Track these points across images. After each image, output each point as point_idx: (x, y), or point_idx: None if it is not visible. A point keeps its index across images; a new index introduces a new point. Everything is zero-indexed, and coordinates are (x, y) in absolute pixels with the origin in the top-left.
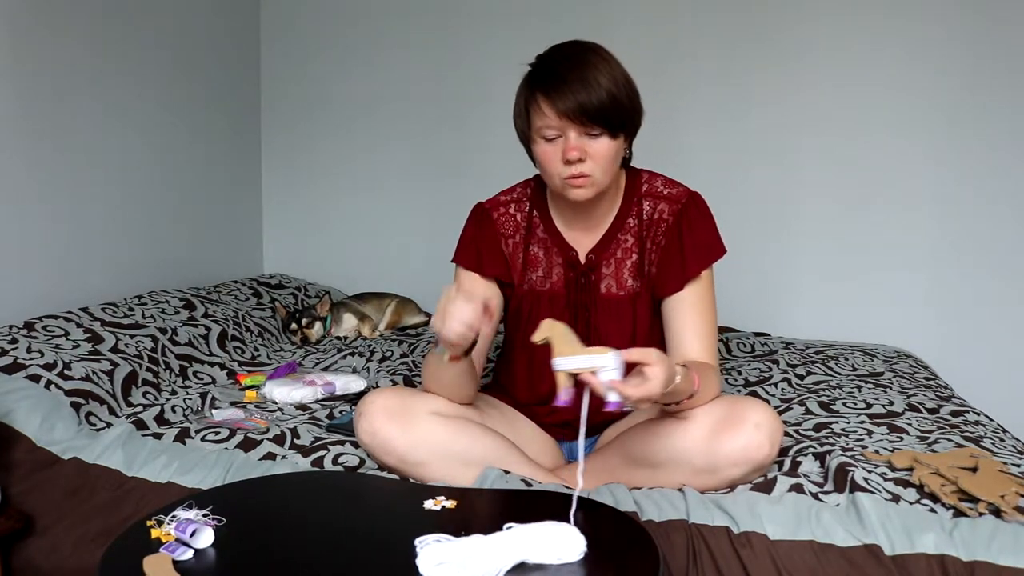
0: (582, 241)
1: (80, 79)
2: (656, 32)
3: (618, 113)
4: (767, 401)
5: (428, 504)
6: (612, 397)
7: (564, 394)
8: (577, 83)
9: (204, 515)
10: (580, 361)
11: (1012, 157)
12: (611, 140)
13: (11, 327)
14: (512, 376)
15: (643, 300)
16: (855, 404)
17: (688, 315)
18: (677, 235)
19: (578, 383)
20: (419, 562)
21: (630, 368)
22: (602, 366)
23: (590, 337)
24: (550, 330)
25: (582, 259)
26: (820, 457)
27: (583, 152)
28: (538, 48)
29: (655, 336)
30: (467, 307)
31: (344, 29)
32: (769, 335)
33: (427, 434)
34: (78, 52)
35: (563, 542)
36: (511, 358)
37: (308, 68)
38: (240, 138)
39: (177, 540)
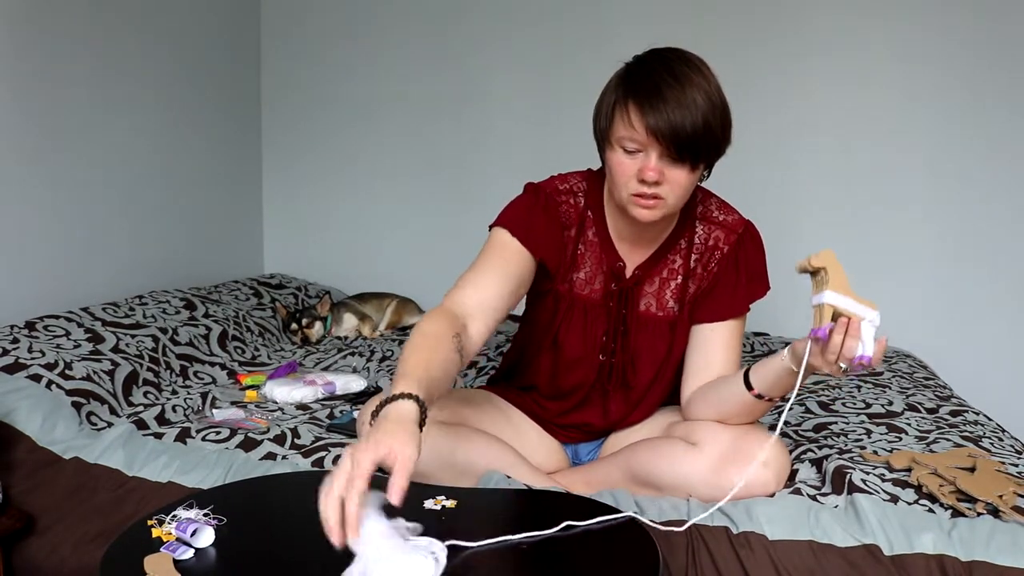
0: (631, 254)
1: (80, 79)
2: (656, 33)
3: (707, 143)
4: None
5: (428, 504)
6: (867, 351)
7: (825, 328)
8: (675, 103)
9: (205, 515)
10: (852, 305)
11: (1012, 157)
12: (691, 171)
13: (12, 327)
14: (534, 373)
15: (682, 324)
16: (854, 404)
17: (725, 340)
18: (733, 267)
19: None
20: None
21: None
22: (871, 319)
23: (625, 357)
24: (831, 262)
25: (628, 273)
26: (817, 463)
27: (661, 175)
28: (538, 48)
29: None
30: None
31: (345, 29)
32: (768, 335)
33: (431, 445)
34: (78, 52)
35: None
36: (534, 355)
37: (309, 68)
38: (241, 138)
39: (178, 539)
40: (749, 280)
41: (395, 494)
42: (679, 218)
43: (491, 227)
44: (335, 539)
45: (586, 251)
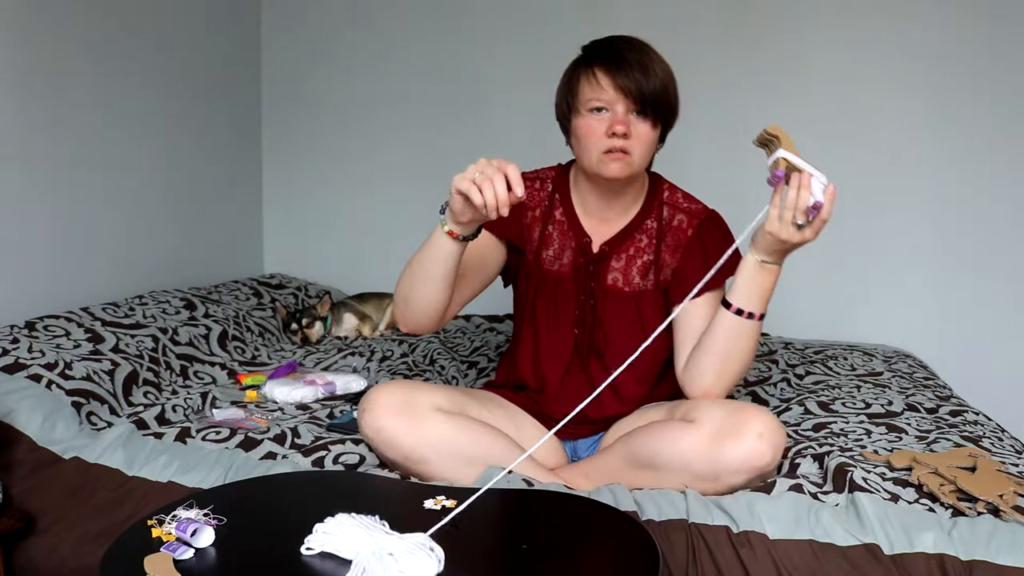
0: (598, 231)
1: (80, 79)
2: (657, 33)
3: (666, 104)
4: (766, 402)
5: (428, 504)
6: (816, 195)
7: (779, 173)
8: (637, 65)
9: (205, 514)
10: (802, 162)
11: (1012, 157)
12: (652, 128)
13: (12, 327)
14: (516, 360)
15: (648, 299)
16: (854, 404)
17: (707, 313)
18: (700, 250)
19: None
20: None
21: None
22: (819, 177)
23: (595, 327)
24: (782, 132)
25: (595, 248)
26: (819, 458)
27: (628, 128)
28: (539, 48)
29: (662, 337)
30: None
31: (345, 29)
32: (768, 335)
33: (432, 432)
34: (78, 52)
35: (415, 563)
36: (516, 342)
37: (309, 68)
38: (241, 138)
39: (178, 539)
40: (718, 260)
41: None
42: (645, 201)
43: None
44: (503, 208)
45: (554, 230)
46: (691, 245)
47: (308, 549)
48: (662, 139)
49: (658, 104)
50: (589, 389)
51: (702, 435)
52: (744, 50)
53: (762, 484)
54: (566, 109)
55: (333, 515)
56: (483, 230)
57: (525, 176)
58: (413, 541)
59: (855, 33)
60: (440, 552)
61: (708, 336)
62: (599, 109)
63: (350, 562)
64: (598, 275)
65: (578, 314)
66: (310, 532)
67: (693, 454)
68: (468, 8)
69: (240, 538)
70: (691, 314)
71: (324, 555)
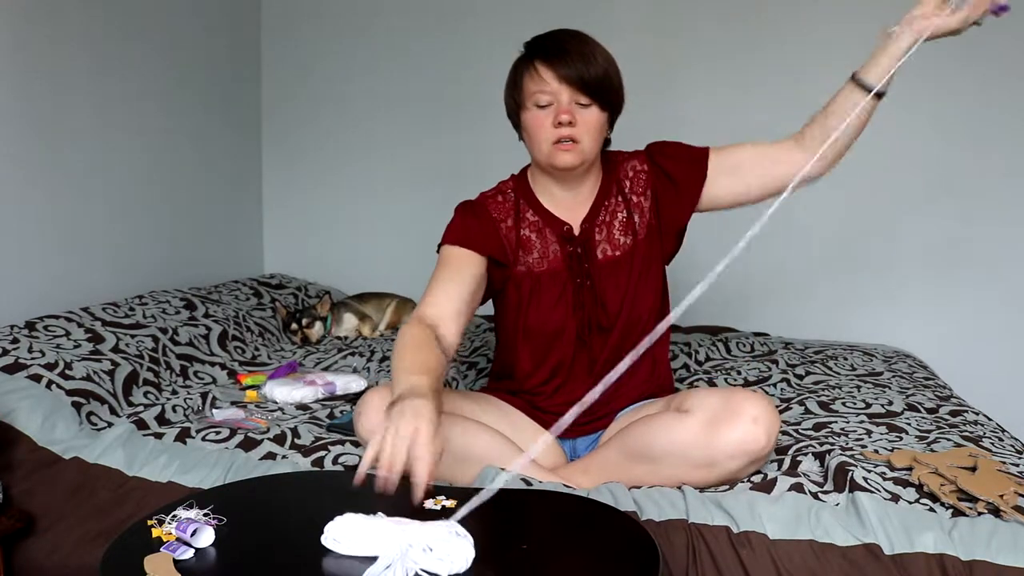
0: (572, 216)
1: (80, 80)
2: (659, 35)
3: (610, 89)
4: None
5: (428, 504)
6: None
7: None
8: (577, 54)
9: (205, 514)
10: None
11: (1012, 157)
12: (599, 112)
13: (12, 327)
14: (514, 364)
15: (640, 250)
16: (854, 404)
17: (736, 150)
18: (660, 170)
19: None
20: (324, 535)
21: None
22: None
23: (595, 305)
24: None
25: (576, 231)
26: (820, 456)
27: (573, 117)
28: None
29: (648, 287)
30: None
31: (345, 31)
32: (768, 335)
33: None
34: (78, 53)
35: (453, 550)
36: (512, 346)
37: (309, 69)
38: (241, 138)
39: (178, 539)
40: (683, 160)
41: (418, 493)
42: (603, 174)
43: (438, 248)
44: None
45: (531, 232)
46: (653, 176)
47: (336, 543)
48: (611, 125)
49: (601, 90)
50: (588, 372)
51: (697, 423)
52: (744, 51)
53: (762, 480)
54: (514, 106)
55: (342, 514)
56: (466, 252)
57: (485, 194)
58: (442, 528)
59: (855, 34)
60: (470, 538)
61: (831, 120)
62: (546, 105)
63: (355, 561)
64: (588, 255)
65: (576, 299)
66: (310, 532)
67: (689, 442)
68: (468, 8)
69: (240, 538)
70: (737, 166)
71: (328, 554)
